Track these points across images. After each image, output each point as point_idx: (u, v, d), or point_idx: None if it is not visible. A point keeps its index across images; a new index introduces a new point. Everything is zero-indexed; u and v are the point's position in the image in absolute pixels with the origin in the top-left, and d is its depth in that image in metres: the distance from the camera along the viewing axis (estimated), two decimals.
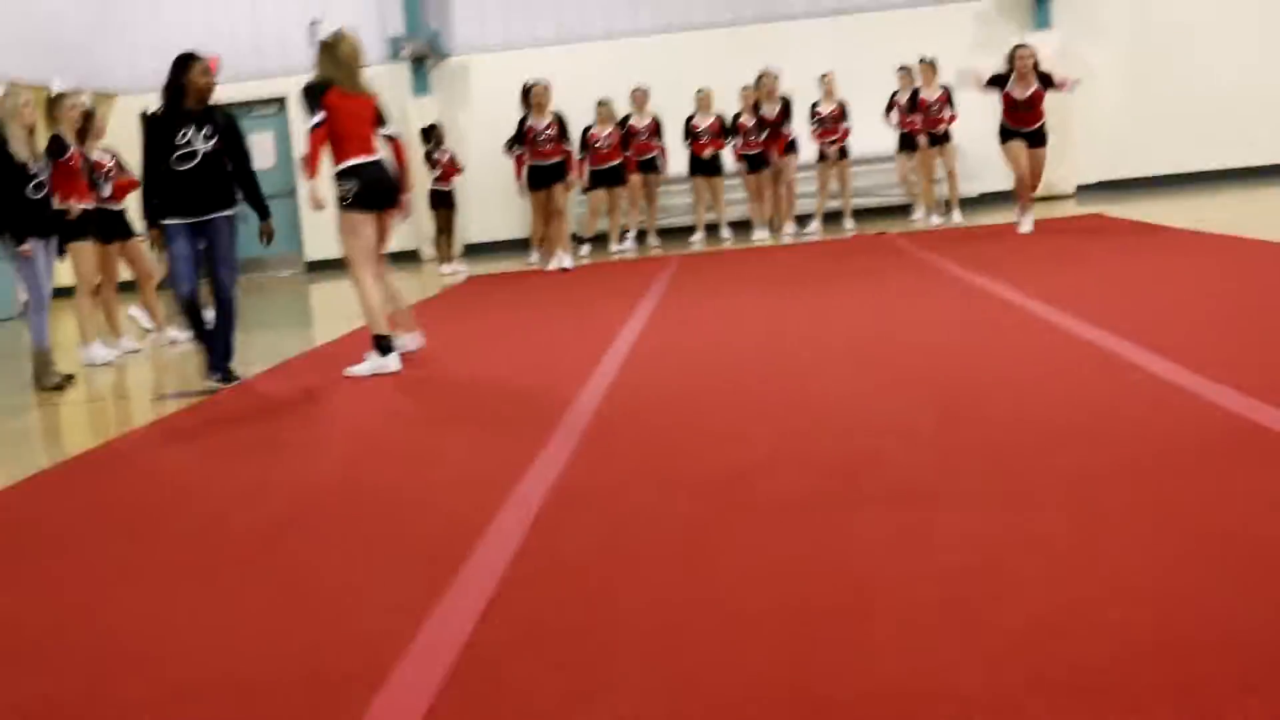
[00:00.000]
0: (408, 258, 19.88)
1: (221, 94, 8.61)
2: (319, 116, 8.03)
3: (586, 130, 16.95)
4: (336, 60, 8.20)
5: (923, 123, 16.99)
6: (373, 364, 7.96)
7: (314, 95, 8.13)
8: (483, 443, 5.71)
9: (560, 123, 15.18)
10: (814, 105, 17.32)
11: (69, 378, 8.99)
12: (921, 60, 17.10)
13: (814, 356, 7.15)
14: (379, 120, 8.42)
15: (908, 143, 17.43)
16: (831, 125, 17.21)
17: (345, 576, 3.84)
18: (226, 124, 8.28)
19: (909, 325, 8.11)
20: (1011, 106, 14.15)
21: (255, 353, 9.54)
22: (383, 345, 8.01)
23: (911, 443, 4.83)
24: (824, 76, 17.27)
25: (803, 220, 17.75)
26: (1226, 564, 3.17)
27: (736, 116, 17.40)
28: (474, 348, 9.18)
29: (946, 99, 17.01)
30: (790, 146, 17.13)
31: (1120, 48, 19.77)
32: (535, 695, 2.75)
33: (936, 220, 17.02)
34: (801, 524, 3.90)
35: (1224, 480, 3.94)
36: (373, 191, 8.18)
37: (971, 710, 2.45)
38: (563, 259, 15.11)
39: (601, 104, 17.17)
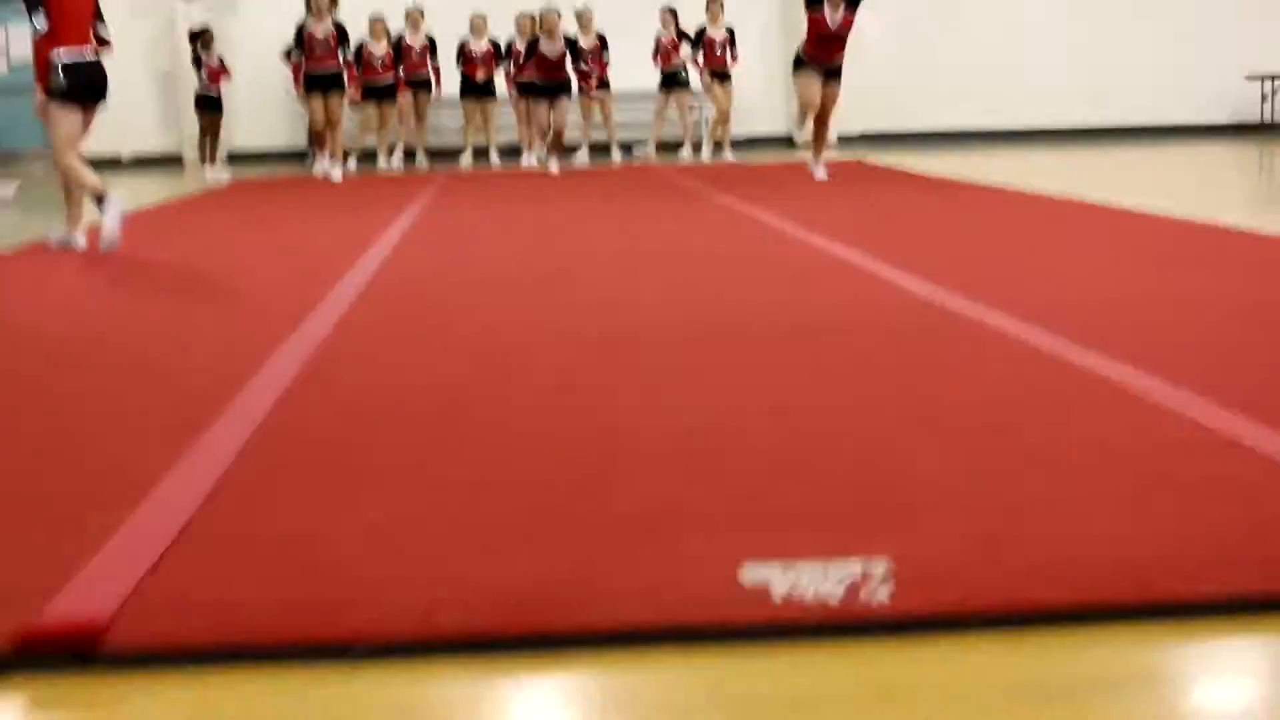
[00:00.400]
0: (170, 162, 19.50)
1: None
2: (42, 23, 8.19)
3: (360, 45, 16.83)
4: None
5: (705, 60, 17.37)
6: (109, 213, 8.06)
7: None
8: (242, 317, 5.77)
9: (339, 31, 15.17)
10: (574, 39, 17.41)
11: None
12: (710, 0, 17.34)
13: (574, 259, 7.35)
14: (97, 15, 8.53)
15: (669, 81, 17.78)
16: (593, 58, 17.31)
17: (107, 417, 3.91)
18: None
19: (669, 238, 8.37)
20: (820, 34, 12.50)
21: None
22: (100, 199, 8.14)
23: (662, 326, 5.08)
24: (580, 13, 17.34)
25: (570, 150, 17.92)
26: (922, 426, 3.47)
27: (510, 43, 17.46)
28: (233, 243, 9.14)
29: (730, 39, 17.41)
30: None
31: (890, 4, 20.34)
32: (291, 510, 2.88)
33: (704, 157, 17.41)
34: (562, 387, 4.09)
35: (929, 355, 4.33)
36: (85, 88, 8.39)
37: (712, 534, 2.67)
38: (331, 170, 15.09)
39: (376, 20, 17.08)
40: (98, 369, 4.68)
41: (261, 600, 2.35)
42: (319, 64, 15.20)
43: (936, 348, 4.57)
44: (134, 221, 10.43)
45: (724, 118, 17.72)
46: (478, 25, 17.50)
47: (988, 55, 20.04)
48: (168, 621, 2.27)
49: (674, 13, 17.66)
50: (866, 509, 2.77)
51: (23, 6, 8.35)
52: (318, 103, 15.35)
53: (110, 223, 8.02)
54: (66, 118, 8.35)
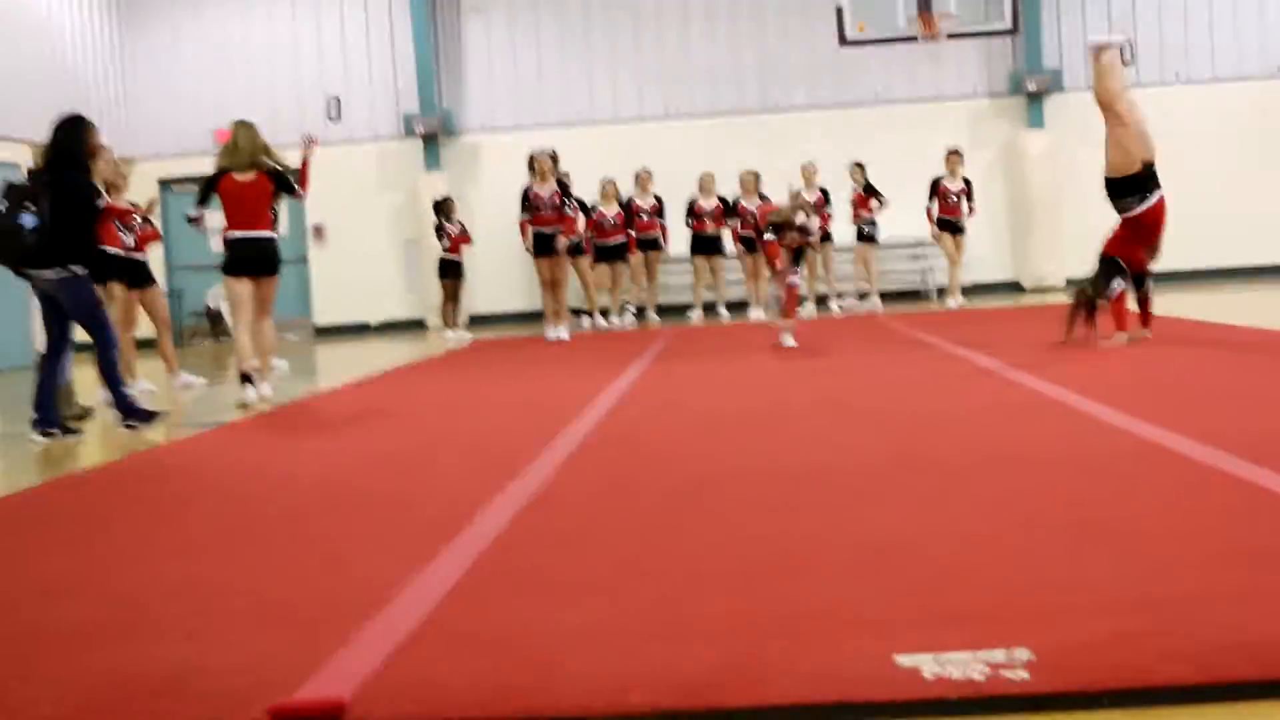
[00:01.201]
0: (414, 326, 20.49)
1: None
2: (197, 212, 10.27)
3: (591, 208, 17.53)
4: (229, 149, 10.08)
5: (940, 210, 17.28)
6: (238, 392, 9.89)
7: (204, 187, 10.19)
8: (479, 458, 6.25)
9: (562, 190, 15.49)
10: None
11: (88, 410, 9.49)
12: (952, 151, 17.41)
13: (789, 406, 7.67)
14: (282, 191, 10.19)
15: (858, 235, 18.10)
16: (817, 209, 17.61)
17: (357, 541, 4.40)
18: None
19: (882, 384, 8.65)
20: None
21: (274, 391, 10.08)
22: (242, 377, 9.89)
23: (860, 460, 5.41)
24: (804, 166, 17.84)
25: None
26: (1086, 542, 3.71)
27: (737, 200, 18.02)
28: (470, 397, 9.71)
29: (967, 191, 17.35)
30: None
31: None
32: (511, 612, 3.28)
33: (945, 304, 17.40)
34: (759, 513, 4.45)
35: (1111, 480, 4.52)
36: (240, 261, 10.06)
37: (877, 629, 2.97)
38: (560, 330, 15.49)
39: (606, 182, 17.85)
40: (358, 503, 5.19)
41: (479, 685, 2.73)
42: (543, 223, 15.41)
43: (1119, 472, 4.79)
44: (383, 380, 11.18)
45: (954, 268, 17.63)
46: (706, 183, 18.14)
47: (1199, 194, 19.96)
48: (399, 702, 2.66)
49: (861, 166, 17.95)
50: (1017, 609, 3.04)
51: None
52: (543, 262, 15.56)
53: (247, 396, 9.76)
54: (228, 287, 10.22)
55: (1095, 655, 2.65)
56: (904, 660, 2.67)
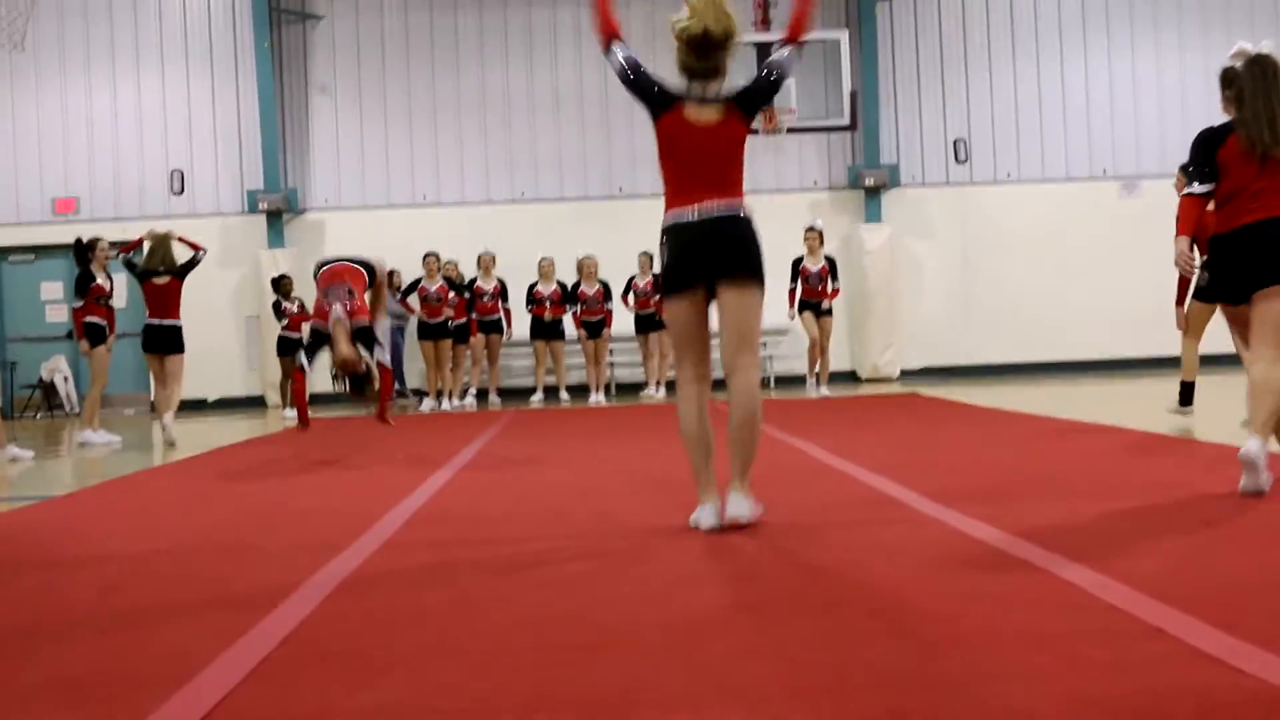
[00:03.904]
0: (254, 403, 20.29)
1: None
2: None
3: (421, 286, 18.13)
4: (149, 255, 13.35)
5: (803, 292, 16.79)
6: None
7: (138, 274, 12.82)
8: (301, 535, 6.27)
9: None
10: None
11: None
12: (809, 229, 17.03)
13: (607, 486, 7.78)
14: (188, 272, 13.80)
15: (645, 324, 18.43)
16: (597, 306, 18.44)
17: (165, 619, 4.40)
18: None
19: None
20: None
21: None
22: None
23: (683, 543, 5.54)
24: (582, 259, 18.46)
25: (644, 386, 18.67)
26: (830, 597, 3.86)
27: (576, 285, 18.25)
28: (305, 471, 9.69)
29: (829, 271, 16.90)
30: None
31: (946, 245, 21.04)
32: (312, 692, 3.32)
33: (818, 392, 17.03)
34: (573, 592, 4.55)
35: (881, 545, 4.68)
36: (152, 342, 13.49)
37: (668, 709, 3.07)
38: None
39: (448, 264, 18.05)
40: (171, 580, 5.17)
41: None
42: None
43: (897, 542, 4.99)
44: (214, 457, 11.10)
45: (822, 354, 17.01)
46: (545, 269, 18.31)
47: (1036, 288, 20.64)
48: None
49: (650, 257, 18.20)
50: (789, 687, 3.17)
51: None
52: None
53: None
54: (148, 362, 13.63)
55: None
56: None
